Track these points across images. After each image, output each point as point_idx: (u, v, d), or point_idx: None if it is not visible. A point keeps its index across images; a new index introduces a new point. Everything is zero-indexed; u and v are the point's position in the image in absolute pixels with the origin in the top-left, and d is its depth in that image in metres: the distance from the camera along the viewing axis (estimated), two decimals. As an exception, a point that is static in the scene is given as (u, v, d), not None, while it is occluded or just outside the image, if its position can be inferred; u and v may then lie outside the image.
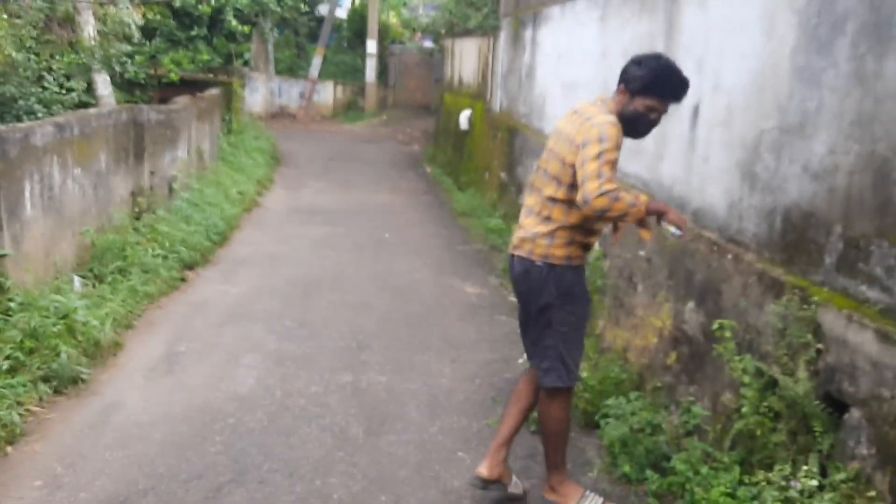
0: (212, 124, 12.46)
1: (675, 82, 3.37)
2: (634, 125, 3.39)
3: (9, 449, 4.11)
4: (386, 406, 4.85)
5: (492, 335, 6.21)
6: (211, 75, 14.24)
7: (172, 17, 13.60)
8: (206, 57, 13.85)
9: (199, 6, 13.62)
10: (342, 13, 27.47)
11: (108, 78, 10.89)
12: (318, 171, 14.70)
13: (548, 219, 3.44)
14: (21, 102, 8.63)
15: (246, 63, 16.02)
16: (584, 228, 3.44)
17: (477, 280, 7.83)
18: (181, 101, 10.70)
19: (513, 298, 5.73)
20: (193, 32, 13.88)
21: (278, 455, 4.17)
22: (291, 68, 25.72)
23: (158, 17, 13.27)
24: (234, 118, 15.05)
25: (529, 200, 3.59)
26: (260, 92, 23.29)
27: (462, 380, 5.30)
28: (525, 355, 3.89)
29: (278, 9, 15.94)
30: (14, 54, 8.45)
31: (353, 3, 28.11)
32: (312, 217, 10.65)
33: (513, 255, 3.59)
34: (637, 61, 3.39)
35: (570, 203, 3.37)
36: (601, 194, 3.08)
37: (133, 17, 10.46)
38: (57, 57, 9.98)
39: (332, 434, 4.45)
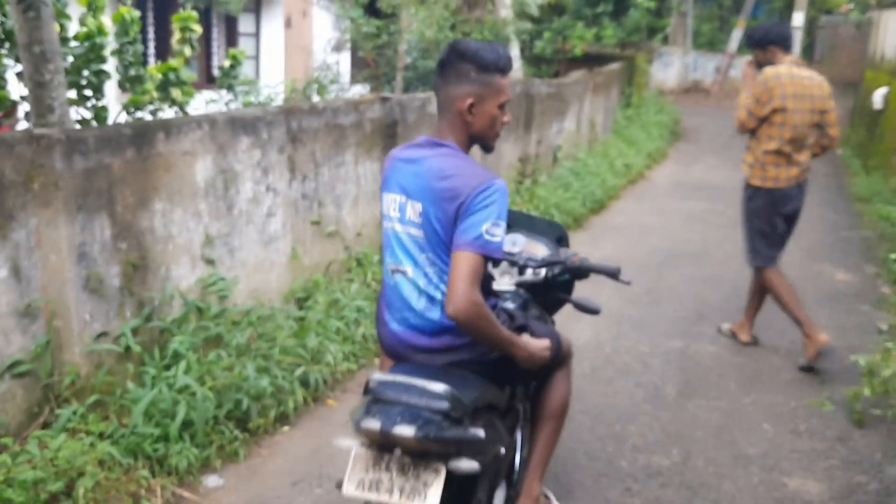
0: (608, 98, 12.98)
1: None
2: None
3: (376, 360, 4.90)
4: (706, 374, 5.02)
5: (846, 323, 5.95)
6: (618, 50, 13.90)
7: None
8: (609, 33, 13.94)
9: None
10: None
11: (518, 53, 11.57)
12: (717, 148, 14.18)
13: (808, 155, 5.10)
14: None
15: (665, 38, 15.92)
16: None
17: (850, 267, 7.50)
18: (574, 75, 11.13)
19: (885, 289, 6.73)
20: (599, 9, 14.22)
21: (589, 400, 4.54)
22: (712, 42, 24.74)
23: None
24: (634, 92, 14.41)
25: (797, 146, 5.01)
26: (674, 67, 22.53)
27: (795, 360, 5.20)
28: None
29: None
30: (433, 34, 9.71)
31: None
32: (695, 193, 10.60)
33: (795, 186, 5.14)
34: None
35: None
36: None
37: None
38: (472, 35, 10.93)
39: (645, 390, 4.74)
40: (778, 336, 5.61)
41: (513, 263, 3.16)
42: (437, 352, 2.57)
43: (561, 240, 3.37)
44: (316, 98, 9.98)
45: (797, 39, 23.99)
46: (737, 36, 23.81)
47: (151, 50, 11.47)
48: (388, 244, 2.59)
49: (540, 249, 3.25)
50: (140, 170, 3.95)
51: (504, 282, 3.14)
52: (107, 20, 6.40)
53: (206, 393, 3.73)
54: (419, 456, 2.27)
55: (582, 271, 3.16)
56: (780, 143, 4.98)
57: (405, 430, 2.18)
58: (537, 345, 2.63)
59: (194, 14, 6.97)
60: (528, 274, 3.15)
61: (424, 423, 2.21)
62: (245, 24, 12.72)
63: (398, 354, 2.66)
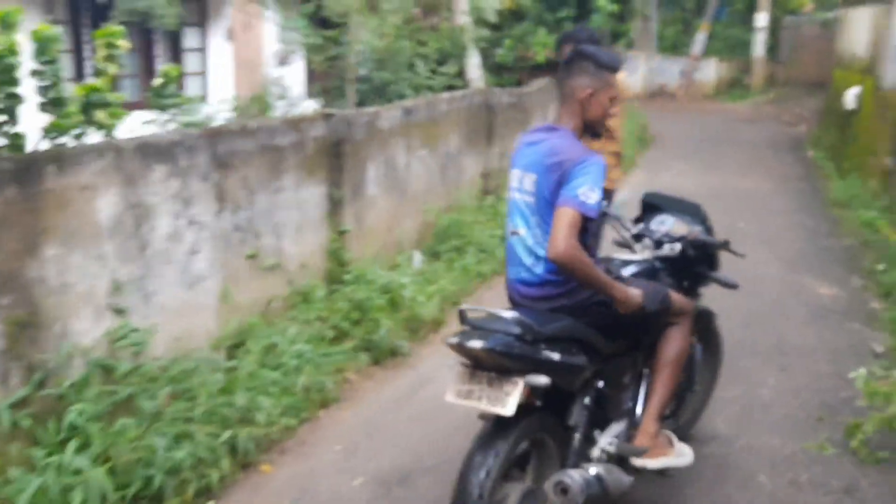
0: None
1: None
2: None
3: (321, 413, 4.44)
4: (691, 413, 4.52)
5: (835, 344, 5.46)
6: None
7: (541, 0, 13.73)
8: None
9: (569, -13, 13.09)
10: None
11: (478, 62, 11.25)
12: (686, 153, 13.62)
13: None
14: (393, 87, 9.27)
15: (629, 43, 15.94)
16: None
17: (835, 280, 6.90)
18: (537, 83, 10.82)
19: (875, 304, 6.17)
20: (562, 14, 13.95)
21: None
22: (676, 45, 24.77)
23: (528, 1, 13.61)
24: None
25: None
26: (639, 71, 22.56)
27: (786, 392, 4.74)
28: None
29: None
30: (386, 43, 9.14)
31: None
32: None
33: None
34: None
35: None
36: None
37: (491, 2, 10.58)
38: (429, 43, 10.53)
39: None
40: (764, 367, 5.10)
41: (639, 238, 3.65)
42: (541, 299, 3.09)
43: (705, 220, 3.74)
44: (278, 113, 9.39)
45: (761, 41, 23.91)
46: (700, 39, 23.82)
47: (89, 69, 10.79)
48: (511, 210, 3.18)
49: (687, 229, 3.63)
50: (26, 209, 3.37)
51: (644, 254, 3.58)
52: (26, 38, 5.81)
53: (101, 476, 3.14)
54: (503, 372, 2.79)
55: (696, 245, 3.55)
56: (618, 146, 5.24)
57: (475, 344, 2.74)
58: (630, 290, 3.02)
59: (119, 28, 6.35)
60: (665, 249, 3.53)
61: (493, 340, 2.74)
62: (191, 38, 12.08)
63: (515, 303, 3.19)
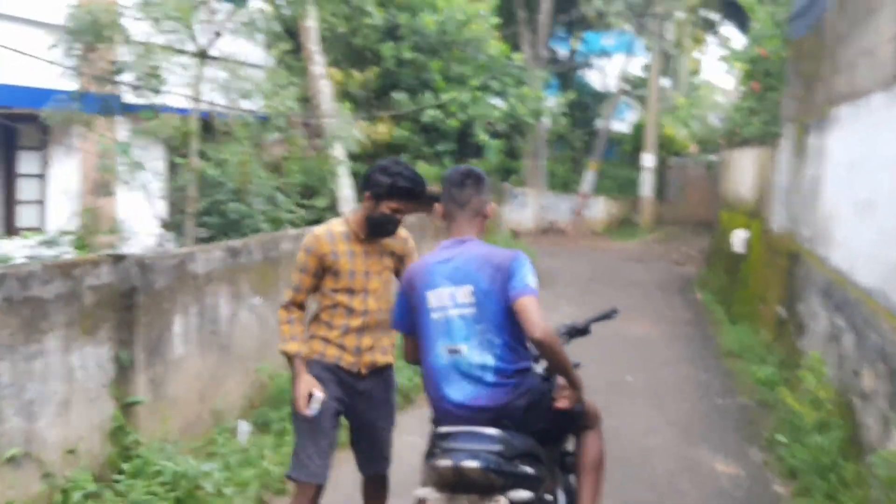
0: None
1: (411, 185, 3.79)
2: (383, 226, 3.82)
3: None
4: None
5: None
6: None
7: (420, 132, 13.71)
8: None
9: (448, 121, 13.52)
10: (624, 126, 28.07)
11: (352, 195, 10.71)
12: (574, 294, 12.95)
13: None
14: (248, 221, 8.46)
15: (519, 179, 16.12)
16: None
17: (732, 452, 5.99)
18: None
19: (778, 486, 5.34)
20: (441, 147, 13.68)
21: None
22: (566, 183, 24.96)
23: (406, 132, 13.52)
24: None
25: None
26: (530, 207, 22.83)
27: None
28: None
29: (533, 121, 15.48)
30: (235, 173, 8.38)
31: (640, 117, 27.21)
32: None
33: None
34: (381, 168, 3.75)
35: None
36: None
37: (353, 132, 10.34)
38: (291, 174, 10.01)
39: None
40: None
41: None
42: (491, 410, 3.08)
43: None
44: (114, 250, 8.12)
45: (649, 180, 24.19)
46: (590, 177, 24.26)
47: None
48: (443, 330, 3.18)
49: None
50: None
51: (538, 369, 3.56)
52: None
53: None
54: (483, 491, 2.88)
55: (588, 327, 3.89)
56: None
57: (471, 464, 2.85)
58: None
59: None
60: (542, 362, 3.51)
61: (484, 460, 2.87)
62: (28, 163, 10.89)
63: (459, 417, 3.11)
